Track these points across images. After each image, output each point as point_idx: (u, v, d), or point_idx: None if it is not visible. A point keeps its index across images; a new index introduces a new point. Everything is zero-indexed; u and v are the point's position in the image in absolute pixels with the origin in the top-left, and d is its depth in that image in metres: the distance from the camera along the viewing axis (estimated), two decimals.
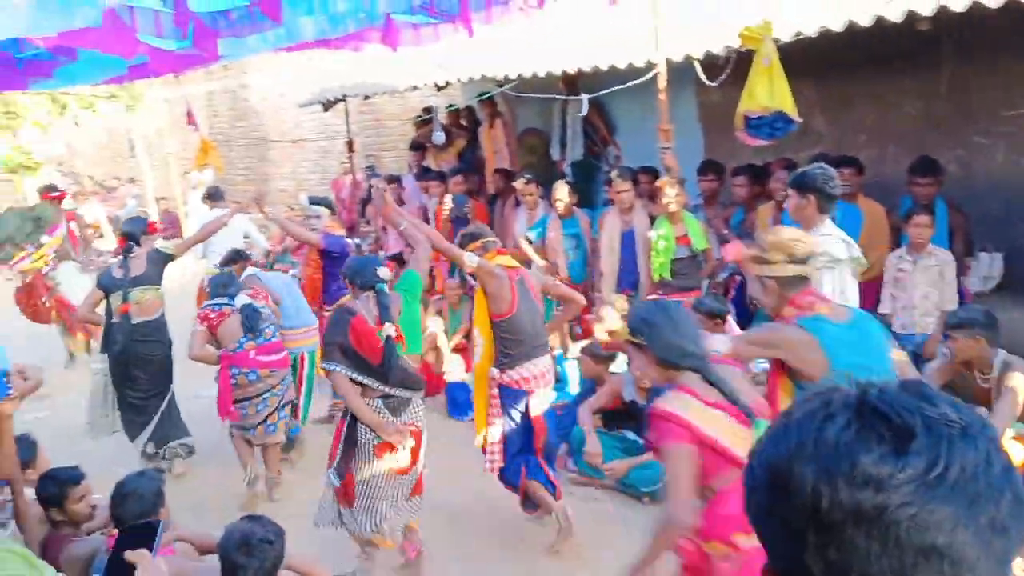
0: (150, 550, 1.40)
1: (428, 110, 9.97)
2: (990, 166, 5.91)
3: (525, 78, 7.24)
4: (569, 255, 7.05)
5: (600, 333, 4.15)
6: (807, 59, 5.37)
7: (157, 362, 5.83)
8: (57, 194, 9.35)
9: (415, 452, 4.13)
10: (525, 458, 4.48)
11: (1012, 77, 5.67)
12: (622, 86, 6.23)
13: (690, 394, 2.54)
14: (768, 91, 5.02)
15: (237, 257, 6.48)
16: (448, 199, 8.20)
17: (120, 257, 5.92)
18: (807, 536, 0.77)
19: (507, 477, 4.55)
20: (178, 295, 7.38)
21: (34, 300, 8.50)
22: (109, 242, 10.63)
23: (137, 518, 2.97)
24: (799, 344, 2.87)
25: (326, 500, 4.23)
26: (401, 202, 8.89)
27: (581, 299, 4.98)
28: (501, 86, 7.73)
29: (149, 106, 14.38)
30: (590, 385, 5.69)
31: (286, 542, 2.86)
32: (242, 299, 5.53)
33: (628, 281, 6.45)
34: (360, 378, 3.97)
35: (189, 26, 4.44)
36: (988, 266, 5.53)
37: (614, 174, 6.54)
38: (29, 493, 3.36)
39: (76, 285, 8.37)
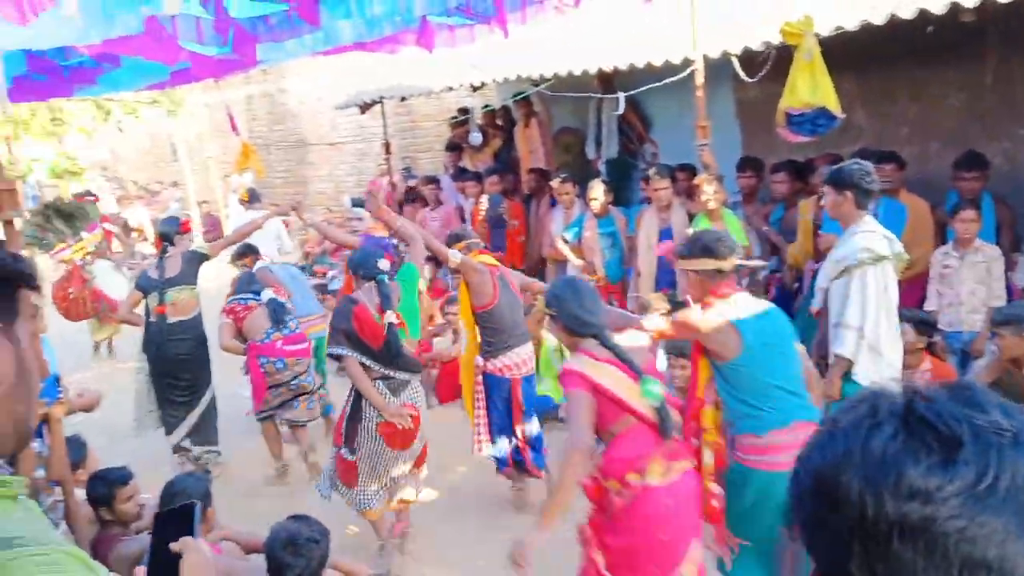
0: (190, 533, 1.41)
1: (464, 111, 10.00)
2: None
3: (560, 77, 7.22)
4: (605, 254, 7.02)
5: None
6: (847, 52, 5.30)
7: (194, 361, 5.90)
8: (92, 198, 9.78)
9: (413, 431, 4.40)
10: (509, 438, 4.94)
11: None
12: (658, 83, 6.19)
13: (588, 355, 3.05)
14: (810, 87, 4.95)
15: (247, 251, 6.72)
16: (484, 199, 8.22)
17: (157, 258, 6.06)
18: (853, 546, 0.75)
19: (496, 459, 5.04)
20: (214, 295, 7.51)
21: (64, 292, 8.72)
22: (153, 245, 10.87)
23: None
24: (714, 329, 3.27)
25: (328, 471, 4.58)
26: (439, 202, 8.94)
27: None
28: (536, 85, 7.73)
29: (190, 111, 14.61)
30: None
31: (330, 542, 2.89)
32: (268, 293, 5.90)
33: (666, 280, 6.40)
34: (363, 360, 4.27)
35: (229, 32, 4.50)
36: None
37: (651, 172, 6.50)
38: (79, 493, 3.43)
39: (110, 281, 8.85)
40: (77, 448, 3.87)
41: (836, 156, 5.95)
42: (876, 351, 3.96)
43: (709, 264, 3.32)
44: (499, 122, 9.66)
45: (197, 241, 9.13)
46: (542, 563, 2.86)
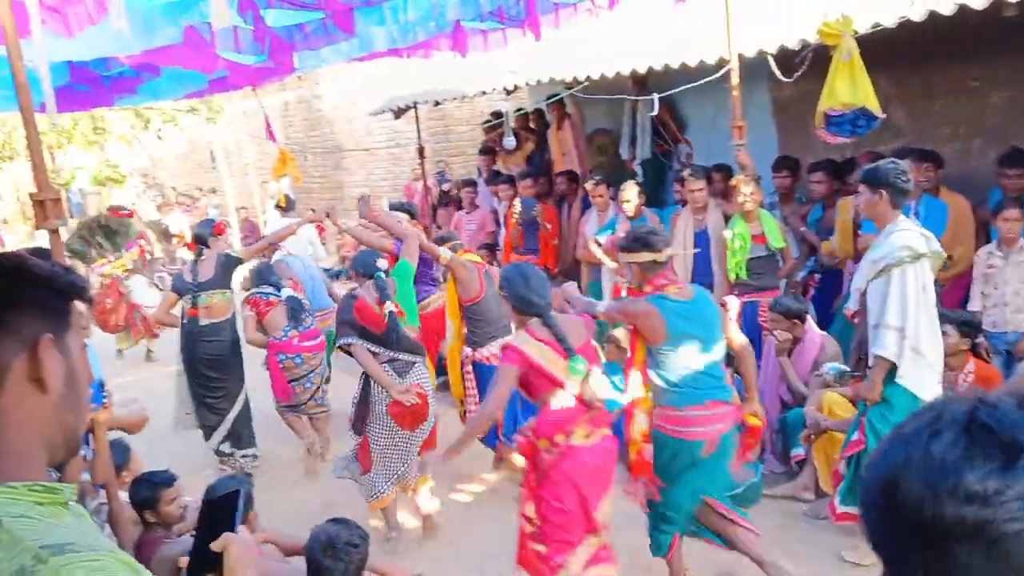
0: (232, 522, 1.43)
1: (497, 114, 10.01)
2: None
3: (593, 79, 7.21)
4: None
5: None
6: (885, 50, 5.22)
7: (226, 362, 5.99)
8: (126, 212, 10.37)
9: (422, 411, 4.70)
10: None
11: None
12: (693, 84, 6.15)
13: (529, 333, 3.53)
14: (850, 87, 4.89)
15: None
16: (517, 203, 8.23)
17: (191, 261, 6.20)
18: (914, 549, 0.79)
19: (486, 440, 5.38)
20: (232, 285, 7.71)
21: (103, 304, 9.00)
22: None
23: None
24: (644, 315, 3.72)
25: (348, 455, 4.93)
26: (474, 206, 8.97)
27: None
28: (569, 88, 7.72)
29: (229, 118, 14.82)
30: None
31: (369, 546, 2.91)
32: (287, 291, 6.32)
33: (702, 282, 6.32)
34: (368, 345, 4.64)
35: (266, 41, 4.56)
36: None
37: (686, 173, 6.44)
38: (123, 496, 3.49)
39: (146, 297, 9.41)
40: (120, 452, 3.94)
41: (877, 154, 5.86)
42: (918, 352, 3.90)
43: (646, 256, 3.75)
44: (532, 125, 9.67)
45: (235, 246, 9.30)
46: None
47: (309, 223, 7.33)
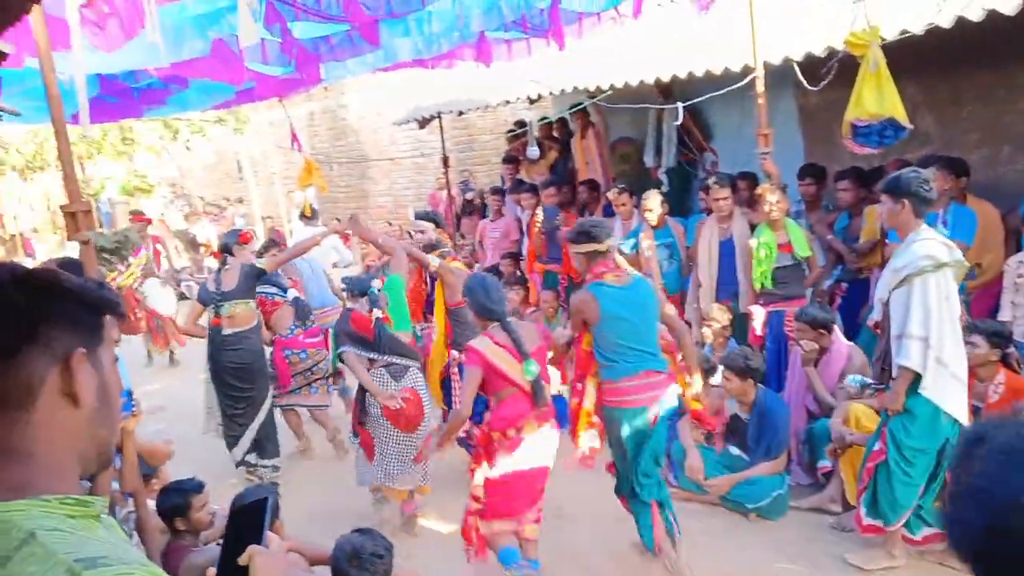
0: (260, 530, 1.43)
1: (521, 124, 10.03)
2: None
3: (617, 88, 7.20)
4: (664, 265, 6.92)
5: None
6: (913, 56, 5.17)
7: (249, 371, 5.99)
8: (147, 218, 11.03)
9: (415, 414, 5.00)
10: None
11: None
12: (718, 92, 6.13)
13: (489, 337, 4.01)
14: (877, 98, 4.84)
15: (271, 244, 7.62)
16: (540, 211, 8.23)
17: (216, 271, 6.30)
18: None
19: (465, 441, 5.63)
20: None
21: (127, 314, 9.19)
22: None
23: None
24: (583, 301, 4.17)
25: (361, 462, 5.19)
26: (500, 214, 8.99)
27: None
28: (593, 97, 7.72)
29: (255, 128, 14.96)
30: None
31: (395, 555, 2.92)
32: (292, 293, 6.83)
33: (727, 291, 6.30)
34: (364, 353, 5.03)
35: (293, 52, 4.60)
36: None
37: (711, 181, 6.40)
38: (151, 505, 3.53)
39: (160, 296, 9.89)
40: None
41: (905, 162, 5.80)
42: (941, 362, 3.85)
43: (590, 247, 4.19)
44: (556, 134, 9.67)
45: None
46: None
47: (334, 233, 7.39)
